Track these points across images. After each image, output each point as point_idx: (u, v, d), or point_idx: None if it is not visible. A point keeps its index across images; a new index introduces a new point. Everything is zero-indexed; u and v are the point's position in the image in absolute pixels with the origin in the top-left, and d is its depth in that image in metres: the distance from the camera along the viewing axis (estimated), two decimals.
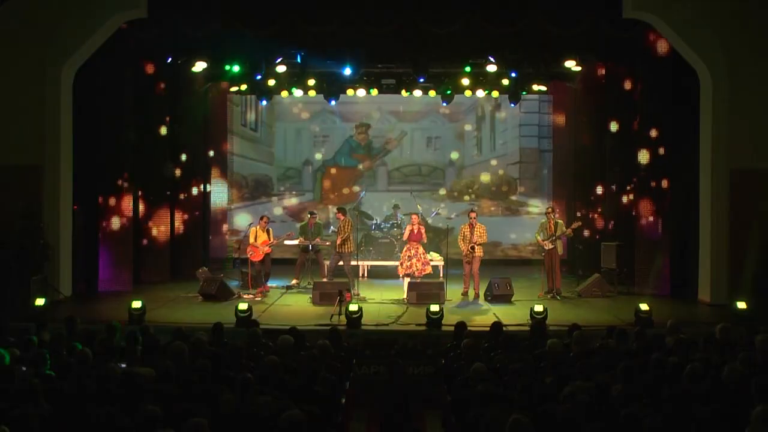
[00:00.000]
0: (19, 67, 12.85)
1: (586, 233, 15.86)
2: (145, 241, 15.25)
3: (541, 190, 18.88)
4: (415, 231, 13.30)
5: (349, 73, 15.22)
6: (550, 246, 13.38)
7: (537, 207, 18.73)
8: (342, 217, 13.91)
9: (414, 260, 13.18)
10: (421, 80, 15.60)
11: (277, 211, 18.80)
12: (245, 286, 13.77)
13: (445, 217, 17.65)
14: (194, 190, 16.82)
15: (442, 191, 18.89)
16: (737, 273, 12.63)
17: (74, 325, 8.72)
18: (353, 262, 13.93)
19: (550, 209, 14.12)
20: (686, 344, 7.86)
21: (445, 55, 14.97)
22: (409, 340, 10.57)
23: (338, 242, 13.65)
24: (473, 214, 13.64)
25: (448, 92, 16.76)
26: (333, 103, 17.28)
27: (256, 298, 13.14)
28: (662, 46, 13.40)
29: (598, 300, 13.32)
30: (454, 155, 18.88)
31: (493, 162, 18.98)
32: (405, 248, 13.46)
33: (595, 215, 16.24)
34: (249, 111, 19.02)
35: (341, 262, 13.80)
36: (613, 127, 15.35)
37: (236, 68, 15.32)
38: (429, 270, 13.46)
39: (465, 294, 13.47)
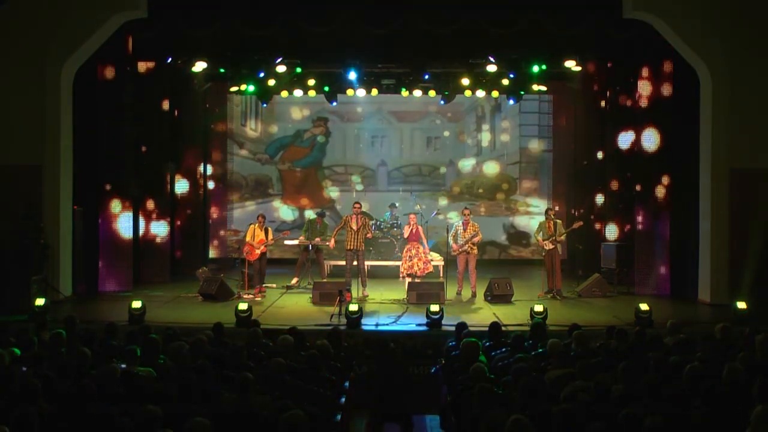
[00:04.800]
0: (19, 67, 12.85)
1: (586, 233, 15.86)
2: (145, 241, 15.25)
3: (541, 190, 18.89)
4: (413, 231, 13.33)
5: (354, 77, 15.26)
6: (551, 246, 13.37)
7: (537, 207, 18.74)
8: (360, 213, 13.56)
9: (416, 260, 13.20)
10: (426, 77, 15.53)
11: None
12: (245, 286, 13.76)
13: (445, 218, 17.65)
14: (194, 190, 16.84)
15: (442, 191, 18.89)
16: (737, 273, 12.62)
17: (74, 325, 8.71)
18: (354, 262, 13.85)
19: (549, 209, 14.13)
20: (686, 344, 7.86)
21: (445, 55, 14.98)
22: (409, 340, 10.57)
23: (360, 240, 13.36)
24: (467, 212, 13.63)
25: (446, 93, 16.77)
26: (334, 104, 17.27)
27: (256, 298, 13.14)
28: (662, 46, 13.39)
29: (598, 300, 13.32)
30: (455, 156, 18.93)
31: (493, 162, 18.98)
32: (406, 248, 13.48)
33: (595, 215, 16.24)
34: (249, 111, 19.02)
35: (355, 262, 13.54)
36: (613, 127, 15.37)
37: (236, 69, 15.35)
38: (430, 269, 13.49)
39: (459, 294, 13.45)
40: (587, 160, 16.67)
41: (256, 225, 13.83)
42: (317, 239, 14.27)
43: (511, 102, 17.51)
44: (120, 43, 13.50)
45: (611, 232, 15.28)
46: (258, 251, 13.61)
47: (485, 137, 19.01)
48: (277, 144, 18.99)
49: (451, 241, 13.45)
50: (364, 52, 14.75)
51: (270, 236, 13.84)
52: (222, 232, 18.48)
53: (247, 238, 13.75)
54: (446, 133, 19.04)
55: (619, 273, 14.24)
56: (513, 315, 11.77)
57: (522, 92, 16.71)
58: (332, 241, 13.69)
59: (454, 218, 17.14)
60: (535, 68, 15.15)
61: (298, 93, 17.01)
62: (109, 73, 13.82)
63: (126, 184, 14.26)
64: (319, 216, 14.67)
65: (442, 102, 17.34)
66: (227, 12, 12.77)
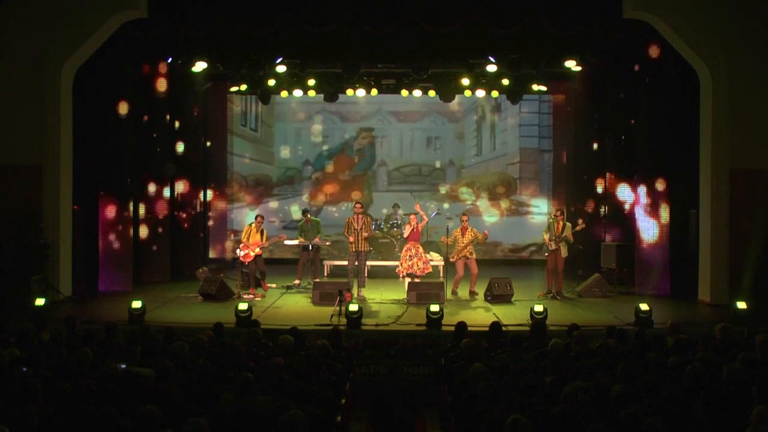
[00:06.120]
0: (19, 67, 12.86)
1: (586, 233, 15.84)
2: (145, 241, 15.23)
3: (541, 190, 18.88)
4: (414, 230, 13.34)
5: (348, 77, 15.22)
6: (554, 246, 13.35)
7: (537, 207, 18.75)
8: (361, 213, 13.54)
9: (415, 259, 13.22)
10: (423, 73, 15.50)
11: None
12: (245, 286, 13.75)
13: (444, 218, 17.65)
14: (194, 191, 16.84)
15: (443, 191, 18.89)
16: (737, 273, 12.62)
17: (74, 325, 8.71)
18: (355, 263, 13.83)
19: (558, 211, 14.00)
20: (686, 344, 7.86)
21: (445, 55, 14.97)
22: (409, 340, 10.58)
23: (363, 240, 13.39)
24: (465, 218, 13.68)
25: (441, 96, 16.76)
26: (339, 100, 17.23)
27: (256, 299, 13.13)
28: (662, 46, 13.39)
29: (598, 300, 13.32)
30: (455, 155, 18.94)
31: (493, 162, 18.98)
32: (405, 248, 13.49)
33: (595, 215, 16.23)
34: (249, 111, 19.03)
35: (357, 262, 13.55)
36: (612, 126, 15.35)
37: (236, 69, 15.33)
38: (429, 269, 13.50)
39: (455, 293, 13.49)
40: (587, 159, 16.66)
41: (253, 225, 13.79)
42: (316, 239, 14.25)
43: (513, 104, 17.49)
44: (120, 43, 13.48)
45: (611, 231, 15.24)
46: (252, 253, 13.53)
47: (485, 137, 19.02)
48: (325, 155, 18.96)
49: (449, 240, 13.48)
50: (364, 52, 14.74)
51: (264, 239, 13.76)
52: (221, 234, 18.46)
53: (242, 238, 13.72)
54: (446, 133, 19.04)
55: (619, 273, 14.23)
56: (513, 315, 11.77)
57: (522, 92, 16.70)
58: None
59: (454, 219, 17.18)
60: (535, 69, 15.15)
61: (298, 93, 17.01)
62: (109, 72, 13.83)
63: (126, 184, 14.26)
64: (303, 215, 14.60)
65: (441, 99, 17.23)
66: (227, 12, 12.76)
